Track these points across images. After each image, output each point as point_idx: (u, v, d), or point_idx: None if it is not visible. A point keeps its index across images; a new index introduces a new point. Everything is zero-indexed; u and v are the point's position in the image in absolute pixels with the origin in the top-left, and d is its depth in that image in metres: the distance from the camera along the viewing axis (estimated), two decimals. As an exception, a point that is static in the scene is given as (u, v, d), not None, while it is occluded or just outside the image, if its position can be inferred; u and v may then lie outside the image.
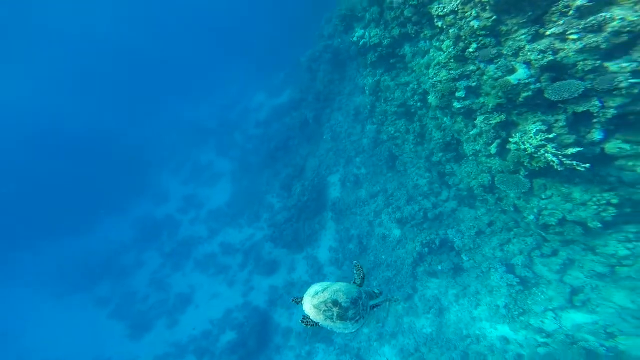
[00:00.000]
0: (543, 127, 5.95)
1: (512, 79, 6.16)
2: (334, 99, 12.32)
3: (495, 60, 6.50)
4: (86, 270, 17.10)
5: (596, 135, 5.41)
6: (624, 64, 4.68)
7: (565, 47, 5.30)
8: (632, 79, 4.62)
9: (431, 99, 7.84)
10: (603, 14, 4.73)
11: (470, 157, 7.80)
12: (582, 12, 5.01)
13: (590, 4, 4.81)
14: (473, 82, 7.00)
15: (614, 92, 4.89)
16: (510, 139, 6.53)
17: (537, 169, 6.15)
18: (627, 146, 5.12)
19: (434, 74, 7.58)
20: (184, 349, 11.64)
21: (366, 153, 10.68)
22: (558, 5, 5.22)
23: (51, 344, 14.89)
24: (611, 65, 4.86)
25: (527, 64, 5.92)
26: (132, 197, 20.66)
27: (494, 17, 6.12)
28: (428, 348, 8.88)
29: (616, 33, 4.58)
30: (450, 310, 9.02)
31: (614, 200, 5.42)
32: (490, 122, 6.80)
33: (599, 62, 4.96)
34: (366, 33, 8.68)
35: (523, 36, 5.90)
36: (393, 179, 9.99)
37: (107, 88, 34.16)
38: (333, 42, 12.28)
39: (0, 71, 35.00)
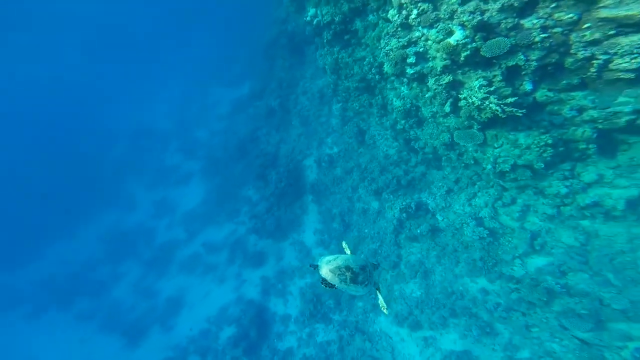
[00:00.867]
0: (484, 82, 6.75)
1: (452, 40, 6.88)
2: (297, 84, 12.77)
3: (435, 25, 7.17)
4: (55, 289, 17.12)
5: (527, 86, 6.25)
6: (535, 21, 5.46)
7: (489, 7, 6.03)
8: (542, 33, 5.41)
9: (386, 67, 8.49)
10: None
11: (429, 120, 8.62)
12: None
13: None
14: (420, 47, 7.69)
15: (532, 47, 5.69)
16: (460, 96, 7.35)
17: (486, 120, 6.98)
18: (551, 94, 5.99)
19: (385, 43, 8.21)
20: (185, 350, 12.41)
21: (336, 132, 11.34)
22: (478, -34, 5.90)
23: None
24: (526, 22, 5.62)
25: (462, 25, 6.62)
26: (94, 210, 20.40)
27: (427, -18, 6.76)
28: (420, 310, 9.94)
29: (524, -11, 5.31)
30: (434, 271, 10.07)
31: (550, 141, 6.34)
32: (441, 83, 7.55)
33: (516, 20, 5.71)
34: (318, 11, 9.11)
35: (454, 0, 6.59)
36: (365, 153, 10.76)
37: (44, 97, 32.59)
38: (287, 27, 12.54)
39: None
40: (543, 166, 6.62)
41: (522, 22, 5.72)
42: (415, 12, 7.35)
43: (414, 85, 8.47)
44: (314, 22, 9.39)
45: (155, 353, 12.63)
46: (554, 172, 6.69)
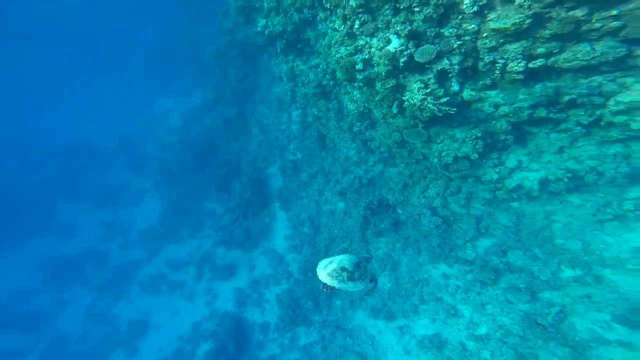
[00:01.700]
0: (422, 85, 7.84)
1: (390, 48, 7.92)
2: (253, 93, 13.27)
3: (376, 34, 8.21)
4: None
5: (455, 86, 7.42)
6: (450, 30, 6.62)
7: (415, 18, 7.13)
8: (458, 41, 6.57)
9: (338, 74, 9.40)
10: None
11: (381, 121, 9.63)
12: None
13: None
14: (366, 55, 8.67)
15: (453, 52, 6.84)
16: (404, 98, 8.41)
17: (427, 118, 8.03)
18: (474, 93, 7.18)
19: (335, 51, 9.15)
20: (157, 372, 12.30)
21: (298, 138, 12.05)
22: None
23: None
24: (445, 31, 6.77)
25: (397, 34, 7.71)
26: (23, 237, 18.97)
27: (364, -5, 7.75)
28: (393, 301, 10.79)
29: (437, 6, 6.45)
30: (401, 262, 11.02)
31: (479, 134, 7.52)
32: (387, 87, 8.54)
33: (437, 29, 6.86)
34: (269, 22, 9.83)
35: (388, 11, 7.60)
36: (327, 157, 11.57)
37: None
38: (236, 36, 13.02)
39: None
40: (477, 156, 7.79)
41: (442, 31, 6.86)
42: (357, 22, 8.31)
43: (365, 89, 9.44)
44: (266, 32, 10.06)
45: (121, 379, 12.27)
46: (486, 161, 7.90)
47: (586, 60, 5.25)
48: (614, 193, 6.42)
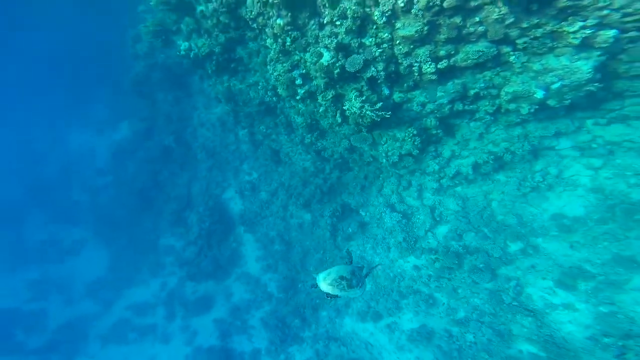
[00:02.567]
0: (357, 93, 8.58)
1: (323, 61, 8.56)
2: (190, 117, 13.22)
3: (308, 49, 8.86)
4: None
5: (385, 91, 8.22)
6: (370, 39, 7.40)
7: (338, 31, 7.86)
8: (378, 49, 7.37)
9: (280, 91, 9.89)
10: (342, 4, 7.34)
11: (329, 130, 10.27)
12: (333, 3, 7.55)
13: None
14: (303, 69, 9.29)
15: (376, 60, 7.63)
16: (344, 108, 9.08)
17: (368, 124, 8.78)
18: (402, 95, 8.03)
19: (272, 69, 9.66)
20: None
21: (250, 157, 12.30)
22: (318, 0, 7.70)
23: None
24: (366, 41, 7.56)
25: (327, 47, 8.41)
26: None
27: (289, 14, 8.37)
28: (375, 301, 11.25)
29: (354, 18, 7.21)
30: (374, 262, 11.60)
31: (415, 132, 8.35)
32: (327, 98, 9.16)
33: (359, 39, 7.63)
34: (192, 44, 10.08)
35: (314, 27, 8.29)
36: (284, 171, 11.96)
37: None
38: (156, 59, 12.71)
39: None
40: (418, 152, 8.61)
41: (363, 41, 7.63)
42: (288, 40, 8.89)
43: (308, 102, 10.05)
44: (191, 55, 10.13)
45: None
46: (426, 154, 8.76)
47: (474, 59, 6.25)
48: (526, 168, 7.50)
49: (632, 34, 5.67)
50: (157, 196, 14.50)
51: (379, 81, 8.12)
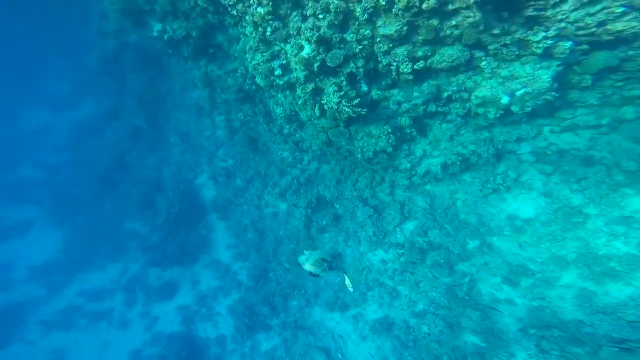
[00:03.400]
0: (336, 88, 8.48)
1: (304, 54, 8.35)
2: (164, 100, 12.50)
3: (289, 40, 8.60)
4: None
5: (363, 87, 8.21)
6: (351, 35, 7.32)
7: (320, 24, 7.68)
8: (358, 45, 7.30)
9: (258, 80, 9.58)
10: (327, -1, 7.15)
11: (307, 122, 10.13)
12: None
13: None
14: (283, 60, 9.02)
15: (357, 56, 7.57)
16: (322, 102, 8.97)
17: (345, 119, 8.77)
18: (380, 92, 8.06)
19: (251, 58, 9.28)
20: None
21: (226, 144, 11.92)
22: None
23: None
24: (347, 36, 7.46)
25: (308, 40, 8.19)
26: None
27: (270, 3, 8.03)
28: (344, 292, 11.49)
29: (336, 12, 7.07)
30: (345, 253, 11.78)
31: (390, 130, 8.43)
32: (307, 91, 8.99)
33: (340, 34, 7.51)
34: (167, 27, 9.42)
35: (296, 18, 8.04)
36: (261, 160, 11.74)
37: None
38: (128, 38, 11.91)
39: None
40: (392, 149, 8.75)
41: (345, 36, 7.52)
42: (269, 29, 8.57)
43: (287, 93, 9.82)
44: (165, 37, 9.61)
45: None
46: (400, 152, 8.93)
47: (449, 62, 6.39)
48: (489, 170, 7.92)
49: (584, 46, 5.98)
50: (123, 178, 13.77)
51: (358, 77, 8.08)
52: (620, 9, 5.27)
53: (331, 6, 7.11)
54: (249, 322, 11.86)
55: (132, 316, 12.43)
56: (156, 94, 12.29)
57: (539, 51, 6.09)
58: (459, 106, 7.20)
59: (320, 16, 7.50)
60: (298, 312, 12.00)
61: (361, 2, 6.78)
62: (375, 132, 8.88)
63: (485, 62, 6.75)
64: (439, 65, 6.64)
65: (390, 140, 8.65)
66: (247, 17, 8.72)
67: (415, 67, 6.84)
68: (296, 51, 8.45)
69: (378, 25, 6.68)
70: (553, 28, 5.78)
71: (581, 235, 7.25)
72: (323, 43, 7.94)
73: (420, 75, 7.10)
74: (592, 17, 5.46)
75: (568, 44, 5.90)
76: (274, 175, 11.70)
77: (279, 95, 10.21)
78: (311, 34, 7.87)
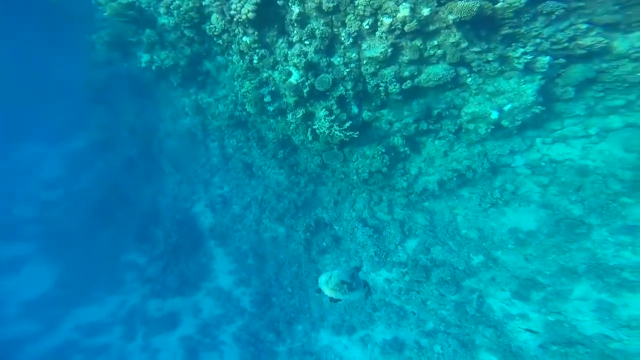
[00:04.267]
0: (327, 112, 8.35)
1: (292, 80, 8.28)
2: (156, 128, 12.40)
3: (276, 67, 8.54)
4: None
5: (354, 109, 8.08)
6: (338, 59, 7.25)
7: (307, 49, 7.63)
8: (346, 69, 7.21)
9: (248, 108, 9.45)
10: (310, 25, 7.13)
11: (301, 146, 9.96)
12: (301, 22, 7.33)
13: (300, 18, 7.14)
14: (272, 87, 8.95)
15: (345, 79, 7.48)
16: (314, 127, 8.81)
17: (338, 143, 8.59)
18: (370, 113, 7.93)
19: (240, 85, 9.21)
20: None
21: (221, 170, 11.70)
22: (287, 19, 7.46)
23: None
24: (334, 60, 7.39)
25: (296, 66, 8.13)
26: None
27: (256, 32, 8.01)
28: (349, 314, 10.96)
29: (322, 38, 7.02)
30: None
31: (383, 150, 8.26)
32: (297, 116, 8.86)
33: (327, 59, 7.45)
34: (155, 57, 9.40)
35: (283, 45, 8.01)
36: (257, 185, 11.47)
37: None
38: (118, 69, 11.70)
39: None
40: (387, 169, 8.55)
41: (332, 60, 7.46)
42: (256, 57, 8.51)
43: (279, 118, 9.69)
44: (153, 68, 9.63)
45: None
46: (395, 171, 8.73)
47: (435, 81, 6.31)
48: (486, 184, 7.69)
49: (562, 60, 6.12)
50: (118, 210, 13.38)
51: (347, 100, 7.98)
52: (584, 25, 5.59)
53: (317, 32, 7.08)
54: (255, 350, 11.30)
55: (131, 350, 11.82)
56: (148, 123, 12.13)
57: (520, 66, 6.11)
58: (449, 123, 7.09)
59: (307, 42, 7.47)
60: (304, 337, 11.44)
61: (345, 27, 6.75)
62: (369, 152, 8.70)
63: (470, 78, 6.70)
64: (426, 84, 6.56)
65: (385, 160, 8.46)
66: (233, 46, 8.69)
67: (403, 87, 6.75)
68: (284, 77, 8.37)
69: (363, 48, 6.63)
70: (529, 44, 5.94)
71: (587, 246, 6.95)
72: (311, 68, 7.88)
73: (409, 95, 7.01)
74: (562, 33, 5.72)
75: (546, 58, 6.03)
76: (271, 199, 11.39)
77: (271, 121, 10.08)
78: (298, 60, 7.81)
